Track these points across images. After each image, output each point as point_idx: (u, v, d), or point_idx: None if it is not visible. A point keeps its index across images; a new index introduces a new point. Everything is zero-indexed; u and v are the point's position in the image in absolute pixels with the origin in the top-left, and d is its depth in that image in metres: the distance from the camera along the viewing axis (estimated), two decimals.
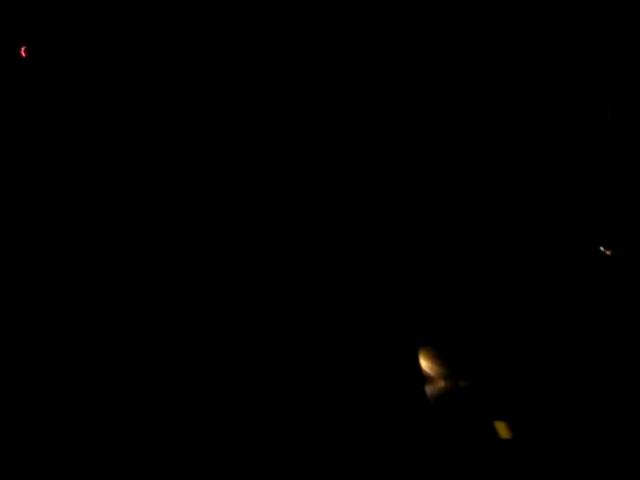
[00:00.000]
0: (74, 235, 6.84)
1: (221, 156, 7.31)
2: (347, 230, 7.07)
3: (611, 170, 7.10)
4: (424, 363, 6.72)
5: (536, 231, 7.15)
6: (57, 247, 6.71)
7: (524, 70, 7.07)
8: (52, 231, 6.75)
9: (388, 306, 6.69)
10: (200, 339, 6.22)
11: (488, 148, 7.14)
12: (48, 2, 6.97)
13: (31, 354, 6.09)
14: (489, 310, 6.86)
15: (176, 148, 7.27)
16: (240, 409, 5.83)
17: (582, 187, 7.10)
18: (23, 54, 6.99)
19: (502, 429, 6.01)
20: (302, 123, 7.36)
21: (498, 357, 6.56)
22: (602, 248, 6.84)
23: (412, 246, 7.11)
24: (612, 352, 6.38)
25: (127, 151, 7.09)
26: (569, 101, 7.15)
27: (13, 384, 5.91)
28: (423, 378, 6.46)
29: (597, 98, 7.16)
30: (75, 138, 6.99)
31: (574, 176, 7.13)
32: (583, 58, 7.07)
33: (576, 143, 7.10)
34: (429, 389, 6.55)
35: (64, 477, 5.44)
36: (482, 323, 6.80)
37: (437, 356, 6.74)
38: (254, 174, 7.28)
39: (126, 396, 5.98)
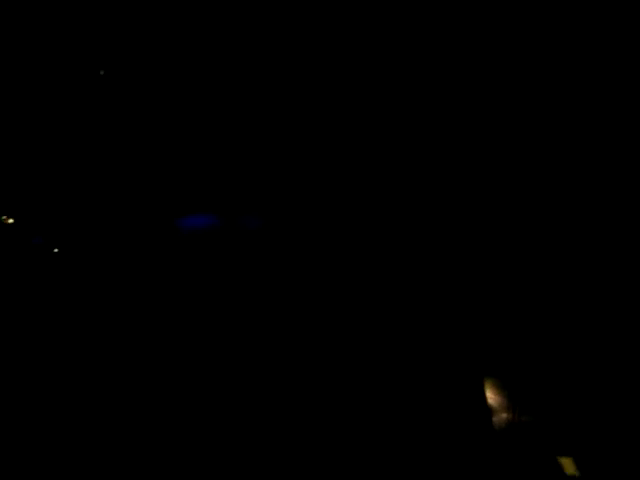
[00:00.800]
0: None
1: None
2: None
3: None
4: (487, 394, 6.75)
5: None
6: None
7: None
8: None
9: (457, 337, 6.72)
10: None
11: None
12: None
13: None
14: (554, 342, 6.90)
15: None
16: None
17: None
18: None
19: (568, 465, 6.01)
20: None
21: (563, 390, 6.58)
22: None
23: (479, 275, 7.18)
24: None
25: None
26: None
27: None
28: (489, 409, 6.49)
29: None
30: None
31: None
32: None
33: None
34: (492, 420, 6.57)
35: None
36: (546, 354, 6.83)
37: (500, 387, 6.76)
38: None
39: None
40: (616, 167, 7.20)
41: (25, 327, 6.62)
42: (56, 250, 6.96)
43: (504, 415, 6.60)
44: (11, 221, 6.83)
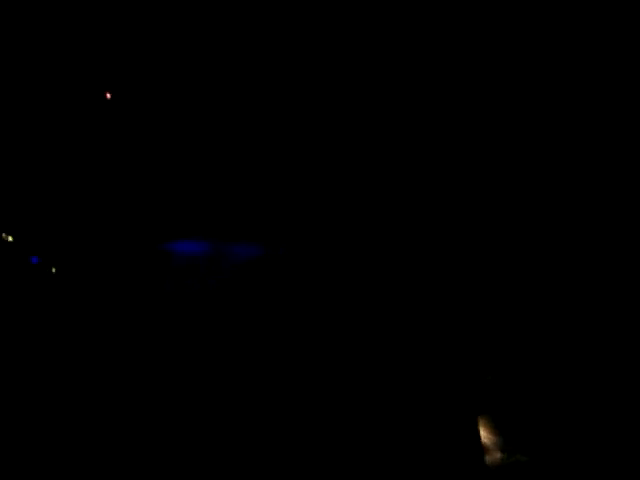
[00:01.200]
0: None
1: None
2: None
3: None
4: (482, 433, 6.63)
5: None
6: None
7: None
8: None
9: (450, 372, 6.64)
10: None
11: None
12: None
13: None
14: (550, 379, 6.79)
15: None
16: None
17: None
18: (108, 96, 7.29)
19: None
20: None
21: (558, 430, 6.46)
22: None
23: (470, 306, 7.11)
24: None
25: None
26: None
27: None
28: (482, 449, 6.36)
29: None
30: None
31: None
32: None
33: None
34: (487, 460, 6.44)
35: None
36: (542, 392, 6.72)
37: (494, 426, 6.64)
38: None
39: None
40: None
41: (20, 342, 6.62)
42: (54, 270, 6.94)
43: (498, 455, 6.47)
44: (10, 239, 6.82)
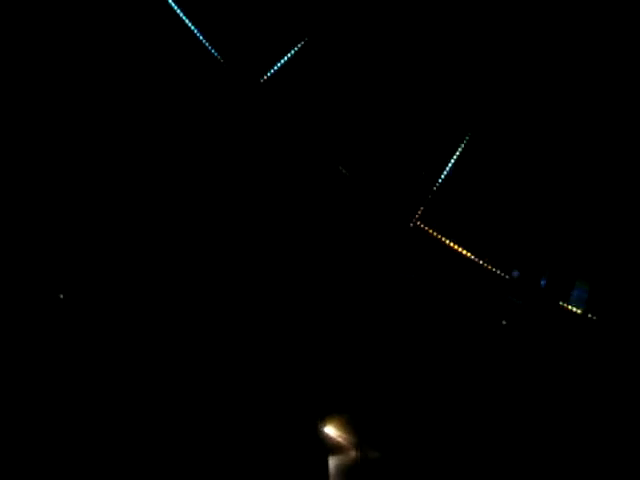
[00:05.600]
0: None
1: None
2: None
3: None
4: (335, 432, 6.74)
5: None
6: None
7: None
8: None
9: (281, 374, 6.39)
10: None
11: None
12: None
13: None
14: (401, 378, 6.76)
15: None
16: None
17: None
18: None
19: None
20: None
21: (410, 428, 6.69)
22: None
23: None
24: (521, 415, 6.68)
25: None
26: None
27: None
28: (327, 449, 6.53)
29: None
30: None
31: None
32: None
33: None
34: (340, 459, 6.70)
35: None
36: (396, 391, 6.74)
37: (348, 425, 6.74)
38: None
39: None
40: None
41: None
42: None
43: (352, 453, 6.73)
44: None
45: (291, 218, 6.69)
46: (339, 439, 6.75)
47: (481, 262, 7.12)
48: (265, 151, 6.61)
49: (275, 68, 6.63)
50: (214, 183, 6.68)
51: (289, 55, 6.69)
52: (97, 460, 5.74)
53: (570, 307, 7.25)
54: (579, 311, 7.23)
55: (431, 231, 7.00)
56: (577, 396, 6.78)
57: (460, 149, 7.09)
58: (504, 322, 7.25)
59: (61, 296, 6.51)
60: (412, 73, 7.05)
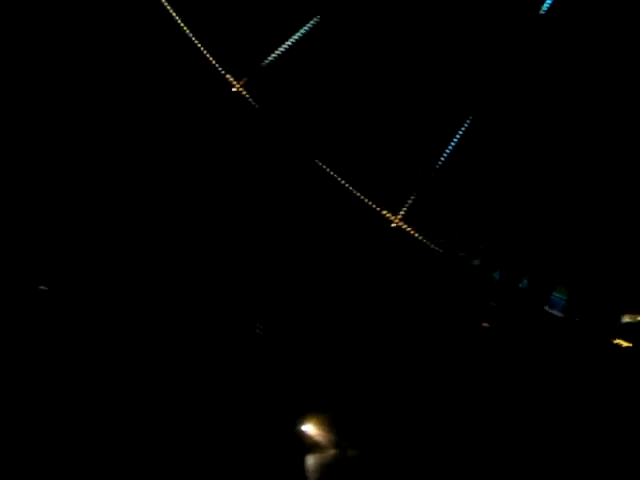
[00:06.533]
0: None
1: None
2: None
3: None
4: (315, 430, 6.72)
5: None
6: None
7: None
8: None
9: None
10: None
11: None
12: None
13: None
14: (382, 376, 6.79)
15: None
16: None
17: None
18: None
19: None
20: None
21: (388, 426, 6.69)
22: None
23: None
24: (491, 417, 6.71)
25: None
26: None
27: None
28: (305, 447, 6.51)
29: None
30: None
31: None
32: None
33: None
34: (319, 457, 6.67)
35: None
36: (374, 390, 6.76)
37: (328, 423, 6.73)
38: None
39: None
40: None
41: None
42: None
43: (332, 451, 6.71)
44: None
45: (272, 214, 6.77)
46: (318, 437, 6.73)
47: (461, 263, 7.20)
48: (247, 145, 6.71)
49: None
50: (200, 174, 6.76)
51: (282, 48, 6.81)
52: (85, 458, 5.72)
53: (550, 310, 7.33)
54: (559, 314, 7.32)
55: (413, 232, 7.09)
56: (556, 398, 6.83)
57: (449, 148, 7.21)
58: (485, 324, 7.32)
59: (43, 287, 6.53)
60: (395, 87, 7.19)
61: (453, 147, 7.13)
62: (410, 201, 7.01)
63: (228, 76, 6.49)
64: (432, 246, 7.16)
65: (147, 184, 6.87)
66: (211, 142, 6.81)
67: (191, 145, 6.82)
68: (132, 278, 6.72)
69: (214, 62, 6.47)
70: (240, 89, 6.48)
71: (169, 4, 6.49)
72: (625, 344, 6.97)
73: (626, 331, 7.14)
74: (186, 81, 6.66)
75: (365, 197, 7.00)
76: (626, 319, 7.24)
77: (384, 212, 7.10)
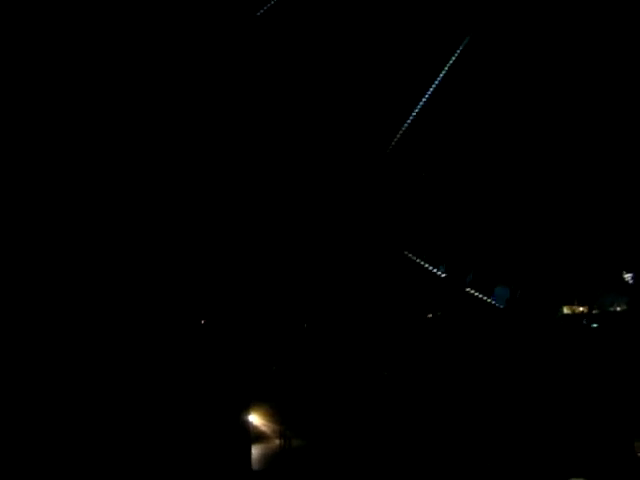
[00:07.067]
0: None
1: None
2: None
3: None
4: (260, 421, 6.88)
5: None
6: None
7: None
8: None
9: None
10: None
11: None
12: None
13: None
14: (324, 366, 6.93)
15: None
16: None
17: None
18: None
19: None
20: None
21: (332, 416, 6.85)
22: None
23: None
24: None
25: None
26: None
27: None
28: (250, 438, 6.67)
29: None
30: None
31: None
32: None
33: None
34: (264, 447, 6.85)
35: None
36: (319, 381, 6.90)
37: (273, 414, 6.89)
38: None
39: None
40: None
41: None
42: None
43: (277, 441, 6.88)
44: None
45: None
46: (263, 427, 6.89)
47: (414, 258, 7.33)
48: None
49: None
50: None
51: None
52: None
53: (492, 302, 7.50)
54: (501, 306, 7.49)
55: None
56: (501, 388, 7.02)
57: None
58: (430, 315, 7.48)
59: None
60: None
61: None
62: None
63: None
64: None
65: None
66: None
67: None
68: None
69: None
70: None
71: None
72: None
73: (565, 322, 7.36)
74: None
75: None
76: (566, 310, 7.46)
77: None
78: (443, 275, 7.49)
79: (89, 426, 6.16)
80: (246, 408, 6.77)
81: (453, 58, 6.98)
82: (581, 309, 7.46)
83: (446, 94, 7.09)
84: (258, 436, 6.86)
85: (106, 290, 6.54)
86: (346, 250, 7.23)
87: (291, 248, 7.01)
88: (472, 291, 7.51)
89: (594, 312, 7.34)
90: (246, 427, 6.74)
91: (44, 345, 6.26)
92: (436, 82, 7.02)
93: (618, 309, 7.35)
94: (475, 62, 7.07)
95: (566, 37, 6.92)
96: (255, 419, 6.87)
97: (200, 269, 6.74)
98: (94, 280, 6.52)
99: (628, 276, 7.39)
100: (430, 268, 7.45)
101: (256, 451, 6.78)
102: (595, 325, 7.28)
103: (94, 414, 6.18)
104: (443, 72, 7.00)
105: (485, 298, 7.51)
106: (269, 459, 6.81)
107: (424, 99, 7.09)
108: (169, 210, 6.78)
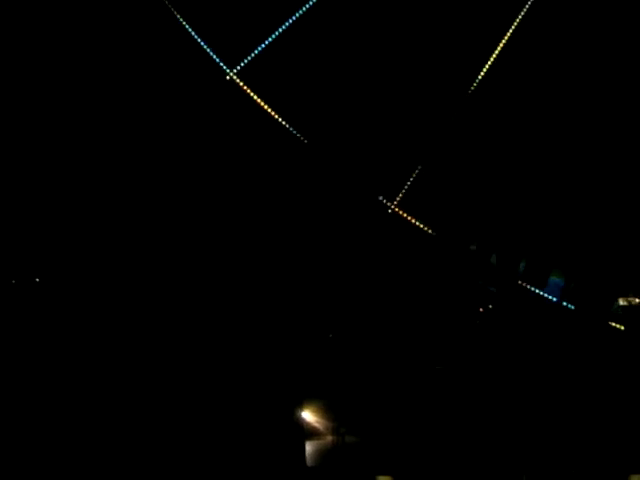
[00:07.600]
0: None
1: None
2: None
3: None
4: (313, 417, 6.77)
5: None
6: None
7: None
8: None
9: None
10: None
11: None
12: None
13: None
14: (379, 363, 6.82)
15: None
16: None
17: None
18: None
19: None
20: None
21: (386, 413, 6.73)
22: None
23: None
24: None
25: None
26: None
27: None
28: (304, 434, 6.56)
29: None
30: None
31: None
32: None
33: None
34: (317, 444, 6.73)
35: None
36: (372, 377, 6.79)
37: (326, 410, 6.77)
38: None
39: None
40: None
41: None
42: None
43: (329, 438, 6.75)
44: None
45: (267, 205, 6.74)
46: (316, 424, 6.78)
47: (459, 248, 7.19)
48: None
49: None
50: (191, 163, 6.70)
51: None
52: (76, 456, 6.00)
53: (546, 295, 7.34)
54: (554, 299, 7.33)
55: (410, 218, 7.06)
56: (554, 384, 6.86)
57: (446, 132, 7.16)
58: (481, 309, 7.33)
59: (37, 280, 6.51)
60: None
61: (449, 132, 7.09)
62: (407, 188, 6.97)
63: (221, 64, 6.40)
64: (429, 231, 7.14)
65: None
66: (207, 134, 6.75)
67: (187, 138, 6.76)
68: None
69: (207, 49, 6.37)
70: (234, 77, 6.37)
71: None
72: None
73: (621, 314, 7.17)
74: (178, 68, 6.56)
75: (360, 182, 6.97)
76: (621, 302, 7.26)
77: (380, 198, 7.07)
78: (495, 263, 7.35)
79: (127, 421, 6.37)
80: (299, 405, 6.67)
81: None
82: (637, 300, 7.26)
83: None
84: (312, 432, 6.74)
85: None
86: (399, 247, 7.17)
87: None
88: (524, 284, 7.36)
89: None
90: (300, 424, 6.64)
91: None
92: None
93: None
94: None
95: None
96: (308, 416, 6.76)
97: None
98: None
99: None
100: (483, 256, 7.32)
101: (310, 447, 6.66)
102: None
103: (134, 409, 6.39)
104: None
105: (538, 291, 7.35)
106: (323, 455, 6.68)
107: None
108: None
